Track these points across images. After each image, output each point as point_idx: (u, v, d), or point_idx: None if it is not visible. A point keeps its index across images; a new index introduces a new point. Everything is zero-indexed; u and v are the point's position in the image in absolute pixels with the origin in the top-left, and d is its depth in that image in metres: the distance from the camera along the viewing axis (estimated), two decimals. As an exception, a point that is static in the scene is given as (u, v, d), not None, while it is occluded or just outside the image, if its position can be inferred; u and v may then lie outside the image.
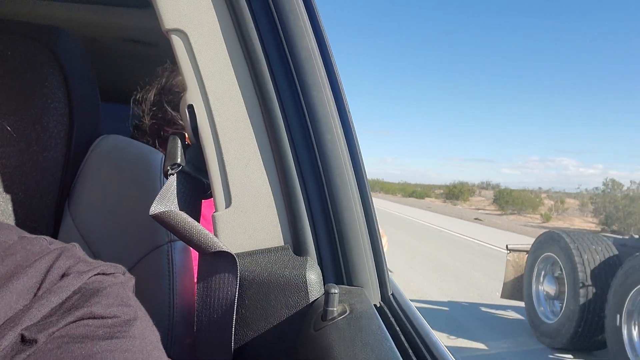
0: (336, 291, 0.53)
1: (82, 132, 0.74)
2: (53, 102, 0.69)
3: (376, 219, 0.65)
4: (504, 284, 5.50)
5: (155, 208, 0.57)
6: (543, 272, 5.10)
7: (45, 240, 0.49)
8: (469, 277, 8.01)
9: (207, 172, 0.63)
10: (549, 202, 31.00)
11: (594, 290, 4.35)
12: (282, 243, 0.62)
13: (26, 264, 0.44)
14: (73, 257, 0.47)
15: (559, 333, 4.59)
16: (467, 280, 7.74)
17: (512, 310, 5.88)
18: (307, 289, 0.58)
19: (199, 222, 0.60)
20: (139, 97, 1.16)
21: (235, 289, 0.58)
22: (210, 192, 0.63)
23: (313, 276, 0.59)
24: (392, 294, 0.66)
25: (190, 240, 0.59)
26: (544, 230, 5.45)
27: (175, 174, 0.62)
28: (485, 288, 7.13)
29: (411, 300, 0.71)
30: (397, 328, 0.57)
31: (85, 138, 0.76)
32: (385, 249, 0.72)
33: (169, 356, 0.46)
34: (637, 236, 4.88)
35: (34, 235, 0.50)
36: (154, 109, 1.14)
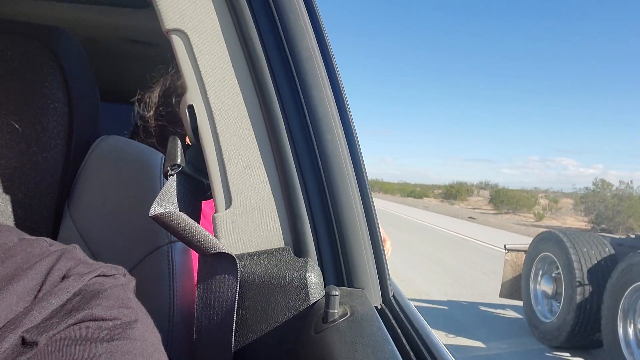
0: (337, 293, 0.53)
1: (81, 133, 0.74)
2: (53, 102, 0.68)
3: (377, 220, 0.64)
4: (503, 283, 5.53)
5: (155, 209, 0.57)
6: (541, 272, 5.12)
7: (45, 241, 0.49)
8: (445, 263, 9.11)
9: (207, 172, 0.62)
10: (545, 202, 31.13)
11: (591, 290, 4.38)
12: (282, 244, 0.62)
13: (26, 266, 0.44)
14: (73, 259, 0.47)
15: (557, 332, 4.61)
16: (443, 265, 8.87)
17: (511, 309, 5.90)
18: (307, 291, 0.57)
19: (199, 223, 0.60)
20: (145, 98, 1.15)
21: (236, 290, 0.58)
22: (210, 193, 0.63)
23: (314, 278, 0.58)
24: (394, 296, 0.66)
25: (190, 242, 0.58)
26: (535, 229, 5.50)
27: (175, 175, 0.62)
28: (460, 274, 8.06)
29: (410, 300, 0.71)
30: (399, 330, 0.57)
31: (85, 138, 0.75)
32: (387, 255, 0.72)
33: (169, 358, 0.46)
34: (633, 235, 4.90)
35: (34, 237, 0.49)
36: (161, 109, 1.13)
